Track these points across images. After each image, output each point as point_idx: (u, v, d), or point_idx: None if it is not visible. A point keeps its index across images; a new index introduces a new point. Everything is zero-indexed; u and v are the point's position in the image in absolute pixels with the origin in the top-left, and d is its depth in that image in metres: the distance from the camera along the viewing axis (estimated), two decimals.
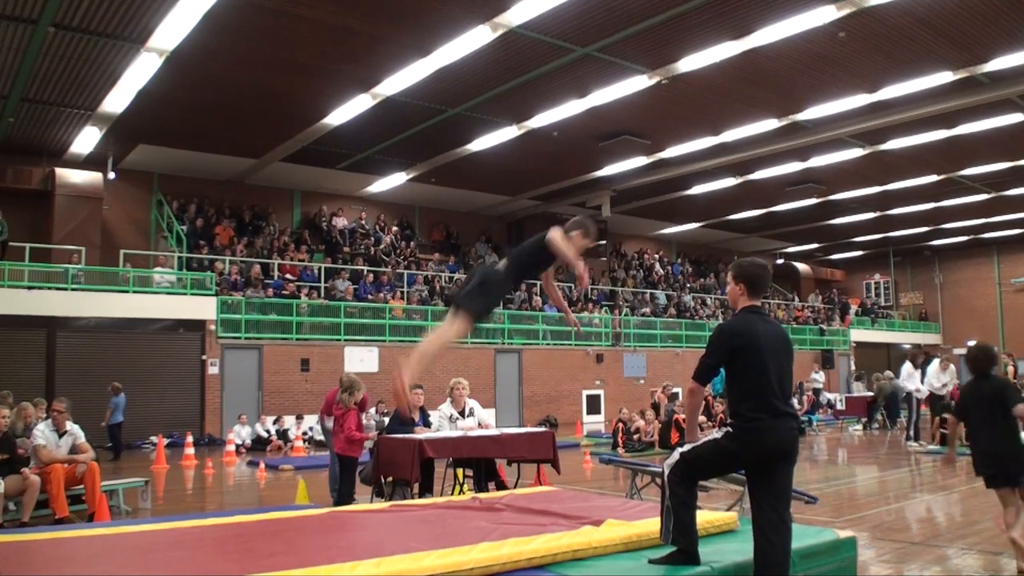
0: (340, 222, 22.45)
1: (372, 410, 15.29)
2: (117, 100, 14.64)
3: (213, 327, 17.26)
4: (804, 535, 4.60)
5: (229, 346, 17.47)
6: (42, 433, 8.00)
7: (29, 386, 13.52)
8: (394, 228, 23.78)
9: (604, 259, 28.60)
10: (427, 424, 8.52)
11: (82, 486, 7.88)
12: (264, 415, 17.22)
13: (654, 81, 14.24)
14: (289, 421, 16.83)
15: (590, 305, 25.19)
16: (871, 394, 20.40)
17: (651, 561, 4.08)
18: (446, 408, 8.70)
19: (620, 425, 14.90)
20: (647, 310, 26.45)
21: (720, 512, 5.16)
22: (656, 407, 15.77)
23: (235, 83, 14.42)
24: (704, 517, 4.59)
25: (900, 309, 36.65)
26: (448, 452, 7.78)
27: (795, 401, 19.33)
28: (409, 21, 11.96)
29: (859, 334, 32.69)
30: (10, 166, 17.61)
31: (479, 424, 8.94)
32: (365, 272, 20.64)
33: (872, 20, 12.09)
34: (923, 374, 14.60)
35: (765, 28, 12.19)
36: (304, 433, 16.55)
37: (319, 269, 20.27)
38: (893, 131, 17.43)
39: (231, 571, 3.77)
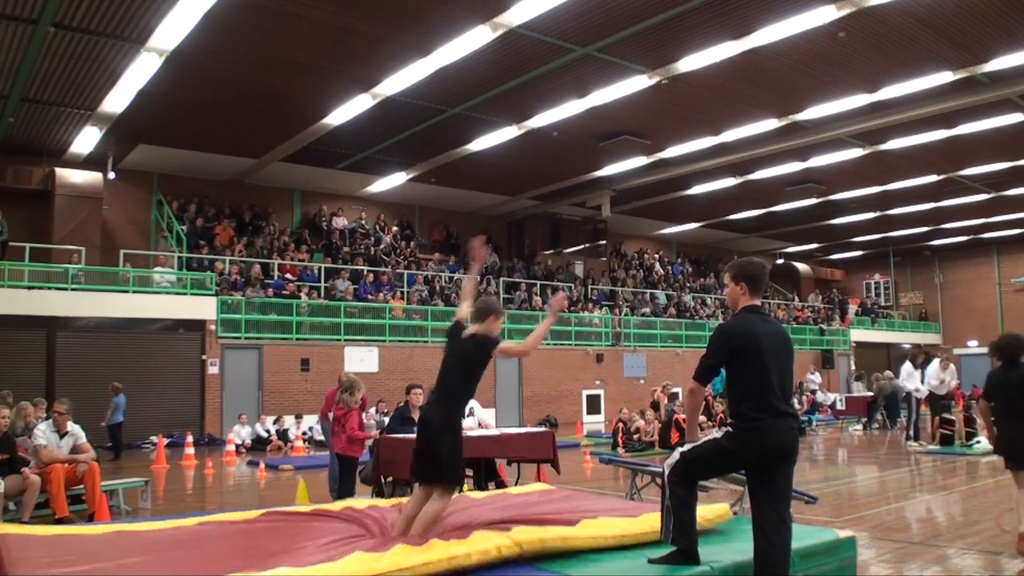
0: (340, 222, 22.46)
1: (372, 410, 15.30)
2: (117, 100, 14.64)
3: (213, 327, 17.26)
4: (804, 535, 4.60)
5: (229, 346, 17.47)
6: (43, 433, 8.00)
7: (29, 386, 13.53)
8: (394, 228, 23.78)
9: (604, 259, 28.62)
10: None
11: (82, 486, 7.88)
12: (264, 415, 17.22)
13: (654, 81, 14.24)
14: (289, 421, 16.83)
15: (590, 305, 25.20)
16: (871, 394, 20.40)
17: (651, 560, 4.09)
18: None
19: (620, 425, 14.90)
20: (647, 310, 26.46)
21: (711, 505, 5.16)
22: (656, 406, 15.77)
23: (235, 83, 14.42)
24: (698, 513, 4.59)
25: (900, 309, 36.66)
26: None
27: (795, 401, 19.34)
28: (409, 21, 11.96)
29: (859, 334, 32.70)
30: (10, 166, 17.61)
31: (479, 424, 8.95)
32: (365, 272, 20.65)
33: (872, 20, 12.09)
34: (923, 374, 14.60)
35: (765, 28, 12.19)
36: (304, 433, 16.56)
37: (319, 269, 20.27)
38: (893, 131, 17.43)
39: (231, 571, 3.77)
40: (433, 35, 12.38)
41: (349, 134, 17.08)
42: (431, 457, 4.60)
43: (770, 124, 17.07)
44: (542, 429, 9.33)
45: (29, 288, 15.61)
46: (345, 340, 18.89)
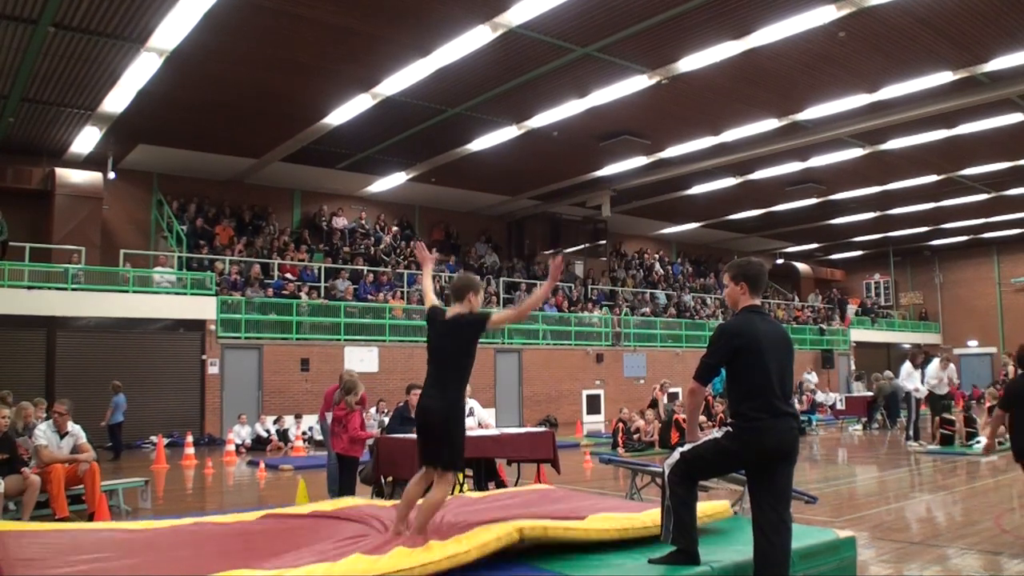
0: (340, 222, 22.46)
1: (372, 410, 15.29)
2: (117, 100, 14.64)
3: (213, 327, 17.26)
4: (804, 535, 4.60)
5: (229, 346, 17.47)
6: (43, 433, 8.00)
7: (29, 386, 13.52)
8: (394, 228, 23.78)
9: (604, 259, 28.62)
10: None
11: (82, 486, 7.88)
12: (264, 415, 17.22)
13: (654, 81, 14.24)
14: (289, 421, 16.83)
15: (590, 305, 25.20)
16: (871, 394, 20.40)
17: (651, 561, 4.08)
18: None
19: (620, 425, 14.90)
20: (647, 310, 26.46)
21: (712, 501, 5.16)
22: (655, 403, 15.77)
23: (235, 83, 14.42)
24: (698, 510, 4.60)
25: (900, 309, 36.66)
26: None
27: (795, 401, 19.31)
28: (409, 21, 11.96)
29: (859, 334, 32.71)
30: (10, 166, 17.61)
31: (479, 424, 8.95)
32: (365, 272, 20.65)
33: (872, 20, 12.09)
34: (923, 374, 14.61)
35: (765, 28, 12.19)
36: (304, 433, 16.56)
37: (319, 269, 20.27)
38: (893, 131, 17.44)
39: (231, 570, 3.77)
40: (433, 35, 12.38)
41: (349, 134, 17.08)
42: (434, 442, 4.54)
43: (770, 124, 17.07)
44: (542, 429, 9.33)
45: (29, 288, 15.61)
46: (345, 340, 18.89)
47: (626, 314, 25.32)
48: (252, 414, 17.03)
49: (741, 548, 4.20)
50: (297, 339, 18.30)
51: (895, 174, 21.56)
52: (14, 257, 16.27)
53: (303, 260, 20.42)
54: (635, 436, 14.57)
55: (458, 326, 4.63)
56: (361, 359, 18.52)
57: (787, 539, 3.79)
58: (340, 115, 15.78)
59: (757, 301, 4.13)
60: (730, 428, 3.95)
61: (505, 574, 3.90)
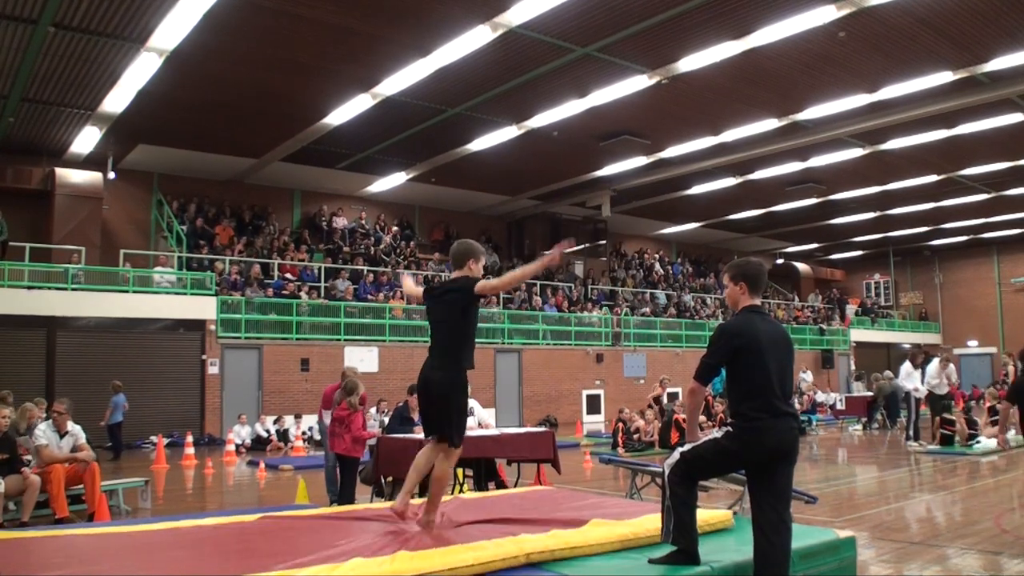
0: (340, 222, 22.46)
1: (373, 409, 15.28)
2: (117, 100, 14.64)
3: (213, 327, 17.26)
4: (804, 535, 4.60)
5: (229, 346, 17.47)
6: (44, 433, 8.00)
7: (29, 386, 13.52)
8: (394, 228, 23.79)
9: (604, 259, 28.62)
10: None
11: (82, 486, 7.88)
12: (264, 415, 17.22)
13: (654, 81, 14.24)
14: (289, 421, 16.83)
15: (590, 305, 25.20)
16: (871, 394, 20.40)
17: (651, 561, 4.08)
18: None
19: (620, 425, 14.90)
20: (647, 310, 26.46)
21: (715, 511, 5.16)
22: (657, 400, 15.77)
23: (235, 83, 14.42)
24: (699, 516, 4.60)
25: (900, 309, 36.66)
26: None
27: (795, 401, 19.34)
28: (409, 21, 11.96)
29: (859, 334, 32.71)
30: (10, 166, 17.61)
31: (479, 424, 8.94)
32: (365, 272, 20.65)
33: (872, 20, 12.09)
34: (923, 374, 14.60)
35: (765, 28, 12.20)
36: (304, 433, 16.56)
37: (319, 269, 20.27)
38: (893, 131, 17.44)
39: (231, 571, 3.77)
40: (433, 35, 12.38)
41: (349, 134, 17.08)
42: (436, 413, 4.55)
43: (770, 124, 17.07)
44: (542, 429, 9.33)
45: (29, 288, 15.61)
46: (345, 340, 18.89)
47: (626, 314, 25.32)
48: (252, 414, 17.03)
49: (741, 548, 4.20)
50: (297, 339, 18.30)
51: (895, 174, 21.56)
52: (14, 257, 16.27)
53: (303, 260, 20.42)
54: (635, 436, 14.57)
55: (446, 291, 4.64)
56: (361, 359, 18.52)
57: (787, 539, 3.79)
58: (340, 115, 15.78)
59: (757, 301, 4.13)
60: (730, 428, 3.95)
61: (505, 574, 3.90)
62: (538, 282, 24.66)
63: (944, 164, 20.63)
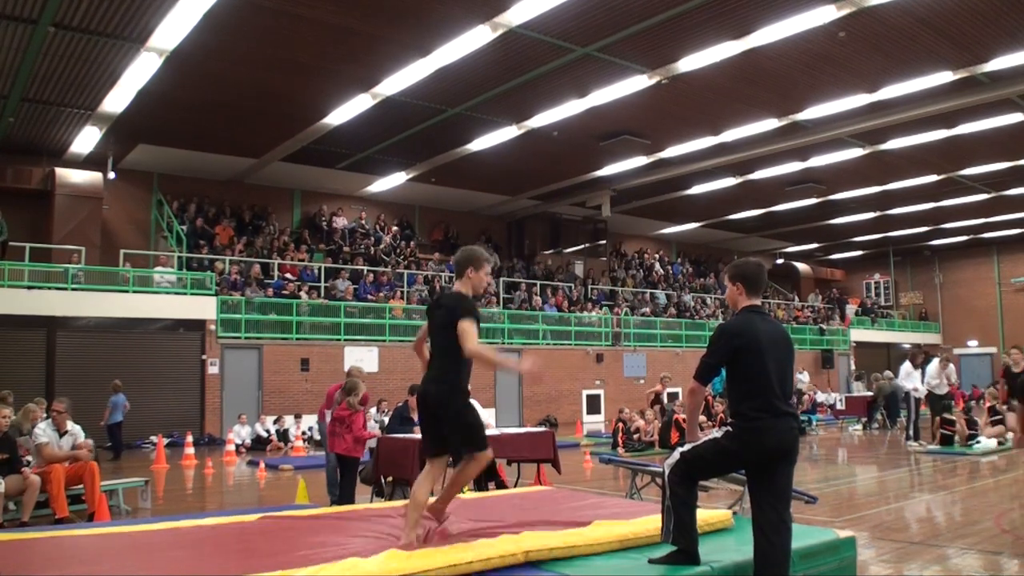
0: (340, 222, 22.46)
1: (373, 409, 15.29)
2: (117, 100, 14.64)
3: (213, 327, 17.26)
4: (804, 535, 4.60)
5: (229, 346, 17.47)
6: (44, 431, 8.01)
7: (29, 386, 13.52)
8: (394, 228, 23.79)
9: (604, 259, 28.62)
10: None
11: (82, 486, 7.88)
12: (264, 415, 17.22)
13: (654, 81, 14.24)
14: (289, 421, 16.83)
15: (590, 305, 25.21)
16: (871, 394, 20.41)
17: (651, 561, 4.08)
18: None
19: (620, 425, 14.90)
20: (647, 310, 26.46)
21: (715, 511, 5.16)
22: (658, 398, 15.76)
23: (235, 83, 14.42)
24: (699, 516, 4.60)
25: (900, 309, 36.67)
26: None
27: (795, 401, 19.34)
28: (409, 21, 11.96)
29: (859, 334, 32.70)
30: (10, 166, 17.61)
31: None
32: (365, 272, 20.65)
33: (872, 20, 12.09)
34: (923, 374, 14.60)
35: (765, 28, 12.20)
36: (304, 433, 16.55)
37: (319, 269, 20.28)
38: (893, 131, 17.44)
39: (231, 571, 3.77)
40: (433, 35, 12.38)
41: (349, 134, 17.08)
42: (440, 428, 4.34)
43: (770, 124, 17.07)
44: (542, 429, 9.33)
45: (29, 288, 15.61)
46: (345, 340, 18.89)
47: (626, 314, 25.32)
48: (252, 414, 17.03)
49: (741, 548, 4.20)
50: (297, 339, 18.30)
51: (895, 174, 21.56)
52: (14, 257, 16.27)
53: (303, 260, 20.42)
54: (635, 436, 14.57)
55: (439, 307, 4.49)
56: (361, 359, 18.52)
57: (787, 539, 3.79)
58: (340, 115, 15.78)
59: (757, 301, 4.13)
60: (730, 428, 3.95)
61: (506, 574, 3.91)
62: (538, 282, 24.66)
63: (944, 164, 20.63)
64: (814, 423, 20.16)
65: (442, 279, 22.49)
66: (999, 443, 13.33)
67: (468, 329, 4.22)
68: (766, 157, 19.33)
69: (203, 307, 17.26)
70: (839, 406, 23.21)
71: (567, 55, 13.25)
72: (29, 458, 7.95)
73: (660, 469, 4.48)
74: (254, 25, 12.06)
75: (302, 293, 18.87)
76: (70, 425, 8.24)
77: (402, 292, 21.10)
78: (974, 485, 10.14)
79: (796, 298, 33.93)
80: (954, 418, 14.00)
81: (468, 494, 7.22)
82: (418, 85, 14.20)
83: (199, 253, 18.59)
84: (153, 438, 15.11)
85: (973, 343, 34.19)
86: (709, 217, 27.71)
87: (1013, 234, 31.30)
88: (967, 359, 33.12)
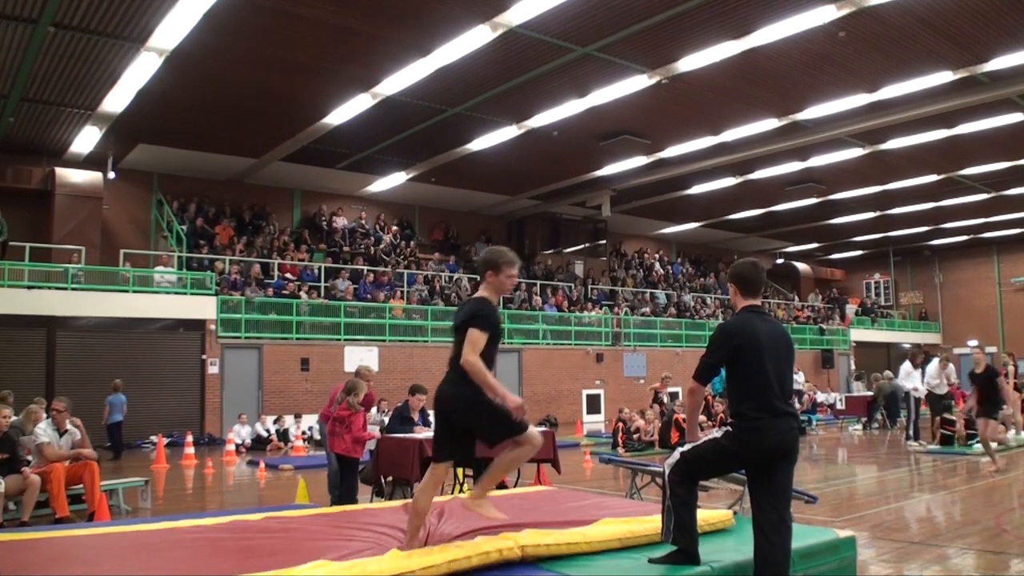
0: (340, 222, 22.47)
1: (374, 410, 15.29)
2: (117, 100, 14.64)
3: (213, 327, 17.26)
4: (804, 535, 4.60)
5: (229, 346, 17.47)
6: (44, 431, 8.01)
7: (29, 386, 13.53)
8: (394, 228, 23.79)
9: (604, 259, 28.62)
10: (427, 424, 8.52)
11: (82, 485, 7.88)
12: (264, 415, 17.22)
13: (654, 81, 14.24)
14: (289, 421, 16.84)
15: (590, 304, 25.20)
16: (871, 394, 20.41)
17: (651, 560, 4.09)
18: None
19: (620, 425, 14.90)
20: (647, 310, 26.46)
21: (716, 510, 5.16)
22: (657, 396, 15.76)
23: (235, 83, 14.42)
24: (699, 516, 4.60)
25: (900, 309, 36.66)
26: None
27: (795, 402, 19.33)
28: (409, 21, 11.96)
29: (859, 334, 32.70)
30: (10, 166, 17.61)
31: None
32: (365, 272, 20.65)
33: (872, 20, 12.09)
34: (923, 373, 14.60)
35: (765, 28, 12.19)
36: (304, 433, 16.56)
37: (319, 269, 20.28)
38: (893, 131, 17.43)
39: (231, 571, 3.78)
40: (433, 35, 12.38)
41: (349, 134, 17.08)
42: (450, 431, 4.23)
43: (770, 124, 17.07)
44: (542, 429, 9.31)
45: (29, 288, 15.61)
46: (345, 340, 18.89)
47: (626, 314, 25.32)
48: (252, 414, 17.04)
49: (741, 548, 4.21)
50: (297, 339, 18.30)
51: (895, 174, 21.56)
52: (14, 257, 16.27)
53: (303, 260, 20.42)
54: (635, 436, 14.58)
55: (460, 309, 4.39)
56: (361, 359, 18.50)
57: (787, 539, 3.80)
58: (340, 115, 15.78)
59: (756, 301, 4.13)
60: (730, 428, 3.95)
61: (506, 574, 3.91)
62: (538, 282, 24.66)
63: (944, 164, 20.62)
64: (814, 423, 20.17)
65: (442, 279, 22.50)
66: (999, 443, 13.33)
67: (473, 338, 4.08)
68: (766, 157, 19.33)
69: (203, 307, 17.26)
70: (839, 406, 23.21)
71: (567, 55, 13.25)
72: (30, 457, 7.94)
73: (660, 469, 4.48)
74: (254, 25, 12.05)
75: (302, 293, 18.87)
76: (69, 425, 8.24)
77: (402, 292, 21.10)
78: (974, 485, 10.14)
79: (796, 298, 33.93)
80: (954, 418, 14.00)
81: (468, 494, 7.22)
82: (418, 85, 14.19)
83: (199, 253, 18.59)
84: (153, 438, 15.11)
85: (973, 343, 34.09)
86: (709, 217, 27.70)
87: (1013, 234, 31.29)
88: (967, 359, 33.02)
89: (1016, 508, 8.26)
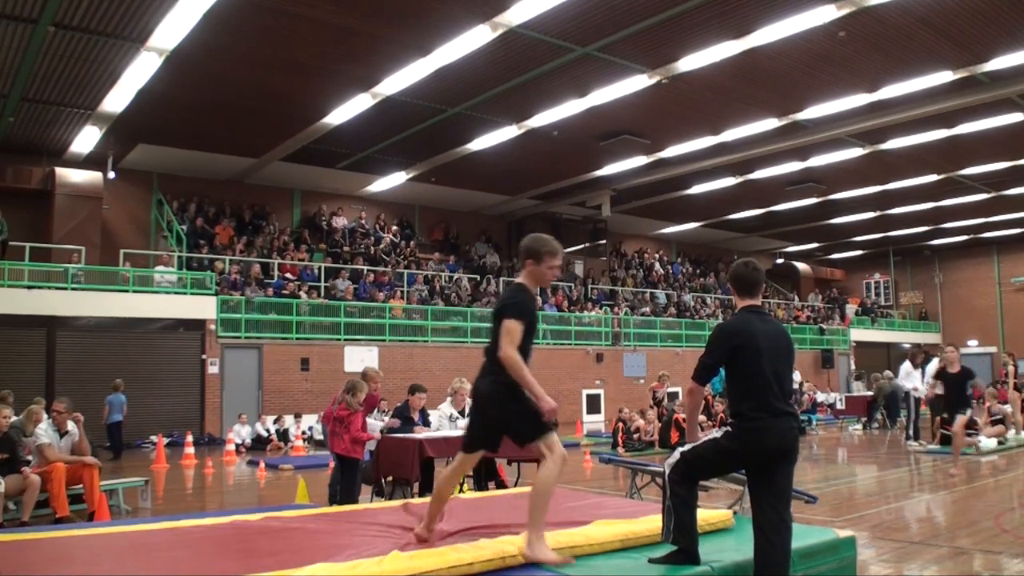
0: (340, 222, 22.46)
1: (375, 412, 15.28)
2: (117, 100, 14.64)
3: (213, 327, 17.26)
4: (804, 535, 4.60)
5: (229, 345, 17.47)
6: (45, 432, 8.00)
7: (29, 386, 13.53)
8: (394, 228, 23.79)
9: (604, 259, 28.62)
10: (427, 424, 8.52)
11: (82, 485, 7.87)
12: (264, 415, 17.22)
13: (654, 81, 14.24)
14: (289, 421, 16.83)
15: (590, 304, 25.20)
16: (871, 394, 20.41)
17: (651, 560, 4.08)
18: (446, 408, 8.72)
19: (620, 424, 14.90)
20: (647, 310, 26.46)
21: (715, 510, 5.16)
22: (655, 395, 15.75)
23: (235, 83, 14.42)
24: (699, 516, 4.60)
25: (900, 309, 36.66)
26: (448, 452, 7.75)
27: (795, 402, 19.32)
28: (409, 21, 11.96)
29: (859, 334, 32.70)
30: (10, 166, 17.61)
31: None
32: (365, 272, 20.65)
33: (872, 20, 12.09)
34: (923, 373, 14.58)
35: (765, 28, 12.20)
36: (304, 432, 16.56)
37: (319, 268, 20.28)
38: (893, 131, 17.44)
39: (231, 571, 3.78)
40: (433, 35, 12.38)
41: (349, 134, 17.08)
42: (485, 424, 4.17)
43: (770, 124, 17.07)
44: None
45: (29, 288, 15.61)
46: (345, 340, 18.89)
47: (626, 314, 25.32)
48: (252, 414, 17.03)
49: (741, 548, 4.20)
50: (297, 339, 18.30)
51: (895, 174, 21.56)
52: (14, 257, 16.27)
53: (303, 260, 20.42)
54: (635, 436, 14.57)
55: (497, 297, 4.40)
56: (361, 359, 18.51)
57: (787, 539, 3.80)
58: (340, 115, 15.78)
59: (755, 301, 4.14)
60: (730, 428, 3.95)
61: (506, 574, 3.91)
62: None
63: (944, 164, 20.63)
64: (814, 423, 20.16)
65: (442, 279, 22.50)
66: (999, 443, 13.33)
67: (509, 328, 3.93)
68: (766, 157, 19.33)
69: (203, 307, 17.26)
70: (839, 406, 23.20)
71: (567, 55, 13.25)
72: (30, 457, 7.94)
73: (660, 469, 4.48)
74: (254, 25, 12.05)
75: (302, 293, 18.87)
76: (70, 425, 8.24)
77: (402, 292, 21.10)
78: (974, 485, 10.13)
79: (796, 298, 33.92)
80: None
81: (468, 494, 7.23)
82: (418, 85, 14.20)
83: (199, 253, 18.59)
84: (153, 438, 15.11)
85: (973, 343, 34.17)
86: (709, 217, 27.70)
87: (1013, 234, 31.30)
88: (967, 359, 32.90)
89: (1016, 508, 8.26)
